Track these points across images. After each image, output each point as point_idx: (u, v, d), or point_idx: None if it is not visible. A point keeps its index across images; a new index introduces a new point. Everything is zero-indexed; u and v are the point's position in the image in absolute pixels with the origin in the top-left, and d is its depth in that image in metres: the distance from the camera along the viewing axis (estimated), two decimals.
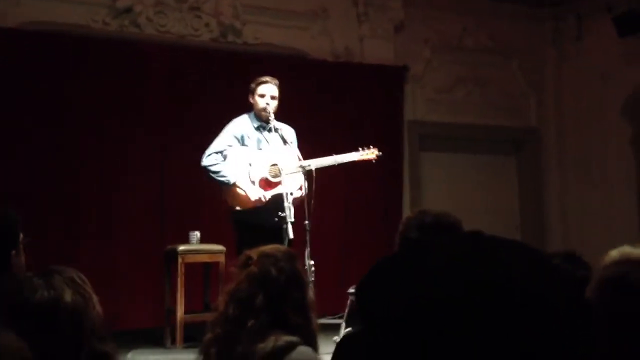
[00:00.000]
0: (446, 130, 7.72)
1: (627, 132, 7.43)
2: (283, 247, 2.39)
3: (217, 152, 4.58)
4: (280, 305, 2.07)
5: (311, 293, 2.25)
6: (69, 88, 5.88)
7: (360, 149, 4.72)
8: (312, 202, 4.32)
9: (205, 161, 4.58)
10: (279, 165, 4.45)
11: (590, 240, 7.20)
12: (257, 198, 4.44)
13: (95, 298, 1.63)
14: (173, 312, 5.03)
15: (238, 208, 4.52)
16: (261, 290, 2.07)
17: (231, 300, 2.11)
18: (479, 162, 7.95)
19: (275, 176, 4.48)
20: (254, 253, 2.19)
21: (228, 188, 4.53)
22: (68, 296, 1.55)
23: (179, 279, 5.00)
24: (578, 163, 7.90)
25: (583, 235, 7.57)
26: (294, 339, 2.02)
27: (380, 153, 4.75)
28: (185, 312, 4.96)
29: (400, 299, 0.65)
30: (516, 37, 7.95)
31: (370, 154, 4.72)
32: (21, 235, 2.56)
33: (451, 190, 7.57)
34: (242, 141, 4.61)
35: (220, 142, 4.61)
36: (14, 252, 2.50)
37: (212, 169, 4.55)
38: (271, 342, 1.98)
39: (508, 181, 8.20)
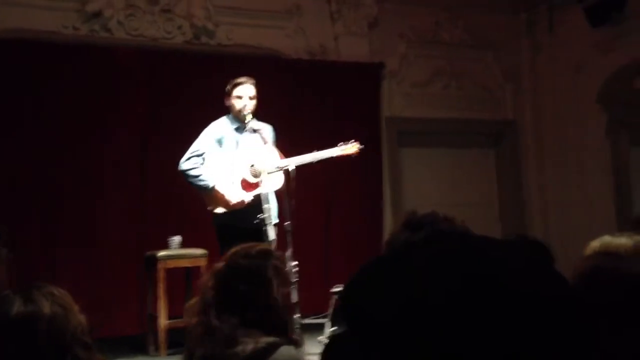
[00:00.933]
0: (424, 126, 7.73)
1: (602, 120, 7.49)
2: (257, 245, 2.28)
3: (196, 156, 4.52)
4: (249, 303, 1.98)
5: (291, 291, 2.18)
6: (43, 96, 5.80)
7: (340, 143, 4.64)
8: (293, 202, 4.29)
9: (184, 165, 4.52)
10: (258, 166, 4.40)
11: (569, 229, 7.27)
12: (237, 201, 4.39)
13: (76, 308, 1.62)
14: (155, 318, 4.97)
15: (219, 211, 4.47)
16: (226, 289, 2.00)
17: (201, 301, 2.05)
18: (457, 156, 7.97)
19: (255, 176, 4.44)
20: (226, 255, 2.14)
21: (208, 191, 4.48)
22: (47, 308, 1.55)
23: (160, 285, 4.95)
24: (555, 153, 7.96)
25: (563, 225, 7.63)
26: (275, 339, 1.91)
27: (362, 146, 4.66)
28: (169, 318, 4.91)
29: (396, 297, 0.63)
30: (490, 29, 7.97)
31: (351, 148, 4.62)
32: (5, 251, 2.49)
33: (431, 185, 7.59)
34: (220, 143, 4.56)
35: (199, 144, 4.56)
36: None
37: (191, 172, 4.49)
38: (250, 344, 1.87)
39: (487, 174, 8.24)
